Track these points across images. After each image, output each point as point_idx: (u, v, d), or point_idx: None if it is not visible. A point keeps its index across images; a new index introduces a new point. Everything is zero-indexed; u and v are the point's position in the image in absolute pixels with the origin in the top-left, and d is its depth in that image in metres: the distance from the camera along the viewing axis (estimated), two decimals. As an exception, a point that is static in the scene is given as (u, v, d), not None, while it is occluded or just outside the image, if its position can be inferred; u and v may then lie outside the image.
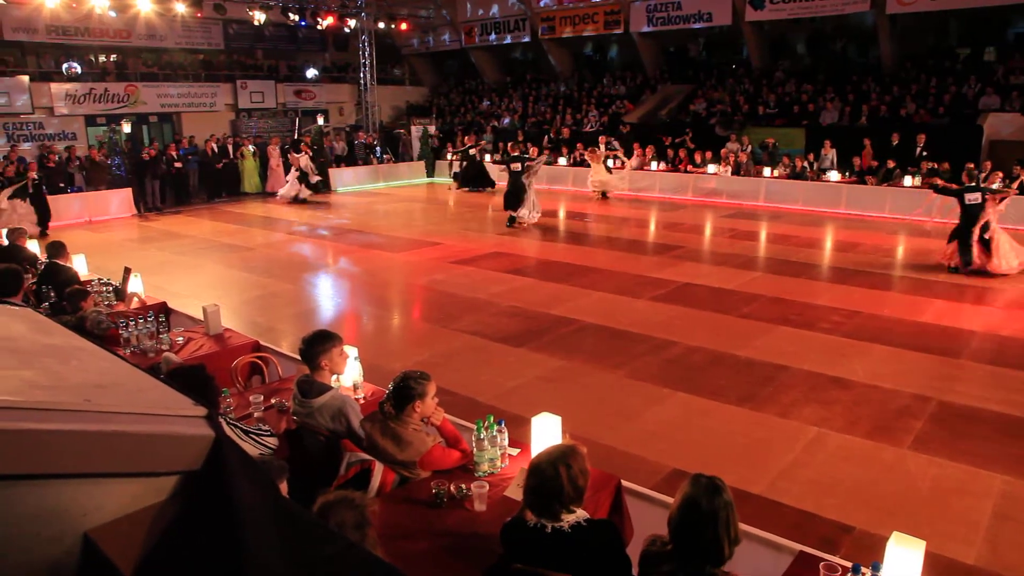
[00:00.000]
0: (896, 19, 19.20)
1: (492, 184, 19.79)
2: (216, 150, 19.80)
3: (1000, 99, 16.91)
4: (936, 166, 15.00)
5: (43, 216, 14.35)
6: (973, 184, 10.26)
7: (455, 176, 21.11)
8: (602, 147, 18.78)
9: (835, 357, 6.86)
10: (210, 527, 0.86)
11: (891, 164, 15.45)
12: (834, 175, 16.12)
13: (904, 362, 6.76)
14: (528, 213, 14.17)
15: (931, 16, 18.98)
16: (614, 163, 18.99)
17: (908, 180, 14.97)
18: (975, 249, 9.87)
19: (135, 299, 6.62)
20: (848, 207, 15.45)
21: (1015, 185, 10.91)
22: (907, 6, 18.31)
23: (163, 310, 6.47)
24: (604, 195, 18.14)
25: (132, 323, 5.35)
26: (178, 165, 18.14)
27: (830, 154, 16.77)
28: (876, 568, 2.55)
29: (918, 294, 9.10)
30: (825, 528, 4.13)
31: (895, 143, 16.00)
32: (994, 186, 10.69)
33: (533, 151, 18.11)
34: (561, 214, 16.20)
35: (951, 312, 8.30)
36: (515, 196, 14.08)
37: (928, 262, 10.72)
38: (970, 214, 9.97)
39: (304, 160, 18.46)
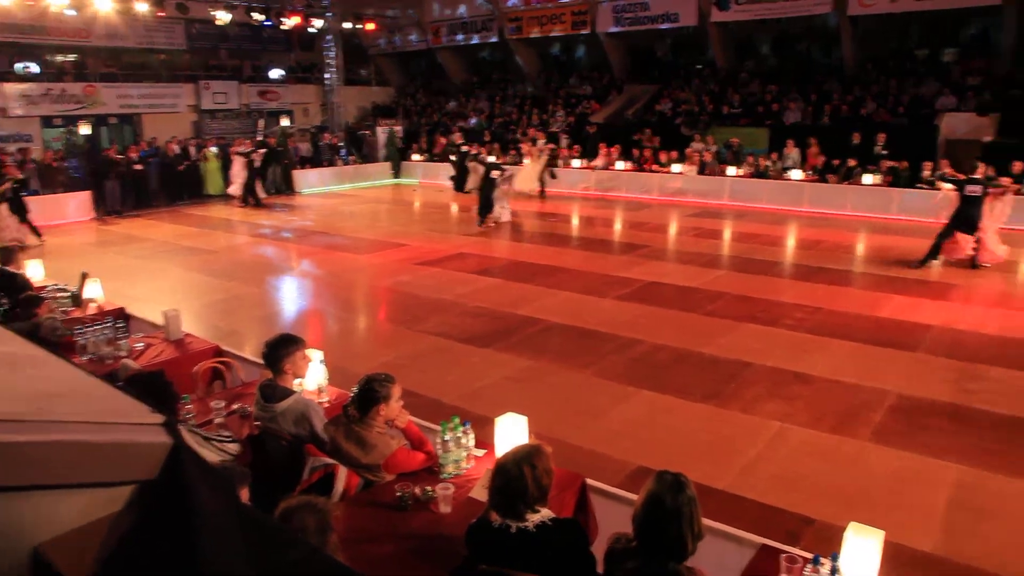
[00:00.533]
0: (858, 21, 19.56)
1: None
2: (178, 152, 19.47)
3: (956, 99, 17.33)
4: (895, 164, 15.35)
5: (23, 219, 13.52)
6: (976, 177, 10.44)
7: (452, 179, 19.68)
8: (540, 143, 18.73)
9: (798, 353, 6.97)
10: (168, 536, 0.85)
11: (852, 163, 15.75)
12: (797, 174, 16.37)
13: (864, 357, 6.89)
14: (500, 212, 14.32)
15: (891, 18, 19.37)
16: (562, 164, 19.26)
17: (868, 178, 15.28)
18: (971, 240, 10.21)
19: (92, 305, 6.48)
20: (811, 205, 15.72)
21: (1009, 181, 11.13)
22: (868, 8, 18.66)
23: (121, 315, 6.35)
24: (542, 194, 18.18)
25: (89, 329, 5.25)
26: (139, 167, 17.80)
27: (793, 153, 17.03)
28: (835, 559, 2.60)
29: (878, 290, 9.28)
30: (787, 521, 4.20)
31: (856, 142, 16.30)
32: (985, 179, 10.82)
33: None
34: (527, 214, 16.24)
35: (909, 307, 8.48)
36: (487, 198, 14.14)
37: (888, 258, 10.96)
38: (969, 206, 10.19)
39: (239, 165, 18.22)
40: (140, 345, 5.52)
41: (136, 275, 10.68)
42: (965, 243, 10.25)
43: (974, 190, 10.17)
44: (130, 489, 0.87)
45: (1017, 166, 12.30)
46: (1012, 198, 10.77)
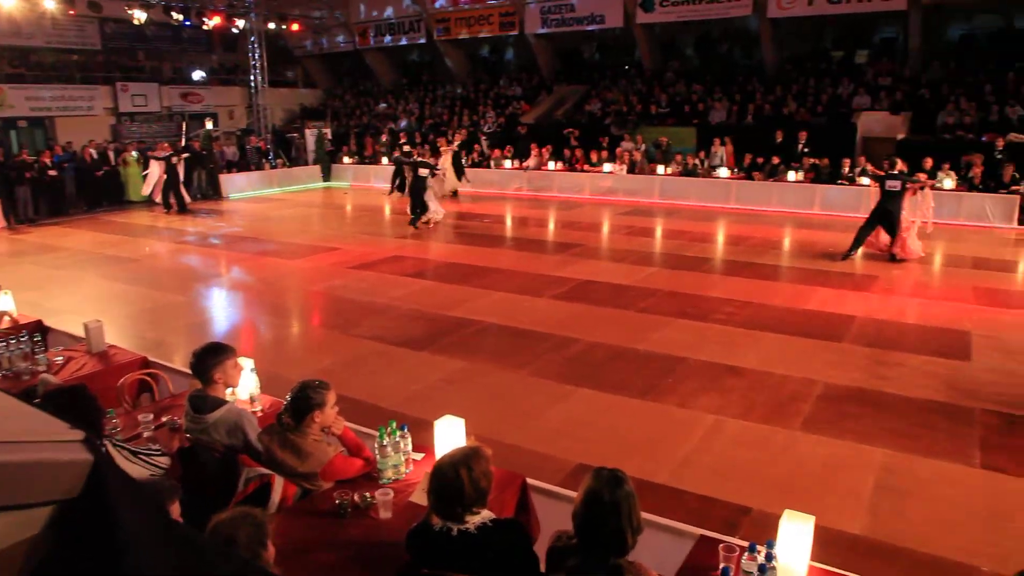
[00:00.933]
0: (777, 23, 20.22)
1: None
2: (96, 156, 18.72)
3: (870, 99, 18.09)
4: (817, 162, 15.92)
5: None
6: (895, 173, 10.86)
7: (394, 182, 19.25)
8: (456, 141, 18.73)
9: (729, 347, 7.14)
10: (91, 557, 0.82)
11: (776, 160, 16.26)
12: (724, 172, 16.81)
13: (793, 348, 7.11)
14: (433, 212, 14.27)
15: (808, 21, 20.09)
16: (466, 161, 19.32)
17: (792, 175, 15.79)
18: (886, 235, 10.71)
19: (5, 318, 6.18)
20: (738, 202, 16.16)
21: (924, 176, 11.66)
22: (786, 11, 19.32)
23: (38, 329, 6.06)
24: (455, 193, 18.27)
25: (2, 344, 5.00)
26: (53, 173, 17.04)
27: (720, 151, 17.48)
28: (771, 545, 2.67)
29: (804, 283, 9.59)
30: (725, 511, 4.29)
31: (779, 140, 16.83)
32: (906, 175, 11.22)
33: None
34: (461, 216, 16.21)
35: (834, 300, 8.78)
36: (420, 198, 14.06)
37: (812, 252, 11.35)
38: (889, 200, 10.62)
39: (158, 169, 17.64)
40: (60, 359, 5.27)
41: (53, 286, 10.22)
42: (887, 237, 10.71)
43: (894, 185, 10.61)
44: (49, 510, 0.83)
45: (928, 162, 12.90)
46: (931, 192, 11.27)
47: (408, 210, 14.29)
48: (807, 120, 17.90)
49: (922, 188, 10.90)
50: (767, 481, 4.65)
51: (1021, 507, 4.34)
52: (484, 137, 21.09)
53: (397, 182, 18.27)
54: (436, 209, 14.35)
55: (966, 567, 3.76)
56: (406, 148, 18.95)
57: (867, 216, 10.97)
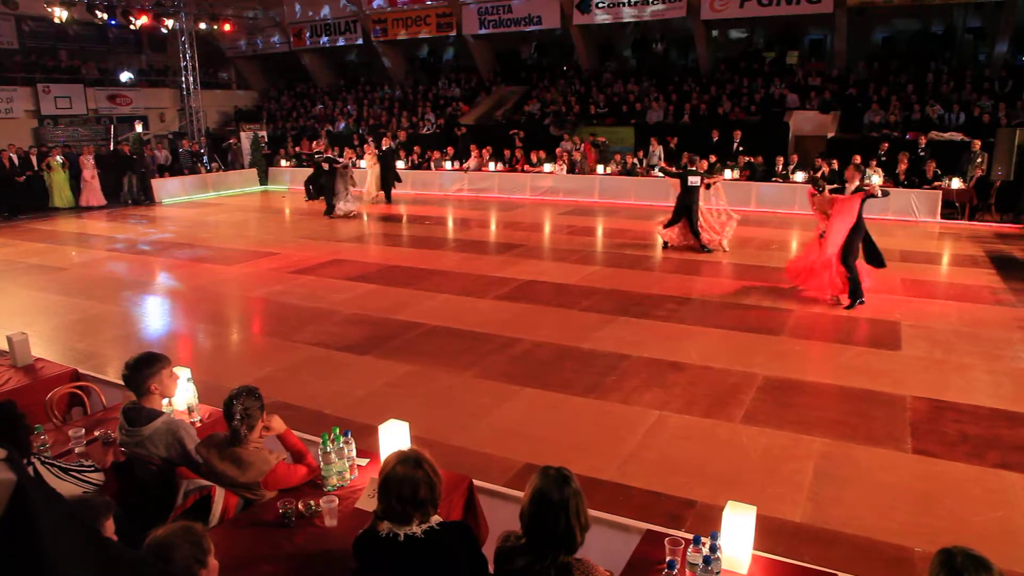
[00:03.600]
0: (710, 25, 20.64)
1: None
2: (16, 161, 17.95)
3: (801, 98, 18.64)
4: (752, 160, 16.31)
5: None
6: (693, 168, 11.69)
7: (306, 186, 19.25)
8: (384, 145, 18.55)
9: (671, 343, 7.25)
10: (16, 578, 0.78)
11: (713, 158, 16.56)
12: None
13: (733, 343, 7.26)
14: (343, 204, 15.94)
15: (740, 23, 20.59)
16: (405, 163, 19.68)
17: (728, 173, 16.12)
18: (690, 227, 11.60)
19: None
20: (676, 200, 16.36)
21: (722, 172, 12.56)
22: (719, 12, 19.75)
23: (-41, 342, 5.79)
24: (388, 198, 18.28)
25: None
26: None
27: (657, 150, 17.75)
28: (715, 537, 2.71)
29: (743, 279, 9.81)
30: (670, 505, 4.35)
31: (715, 139, 17.19)
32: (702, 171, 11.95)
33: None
34: (399, 218, 16.10)
35: (771, 295, 9.00)
36: (331, 190, 15.99)
37: (751, 248, 11.62)
38: (689, 194, 11.53)
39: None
40: (-18, 375, 5.05)
41: (-26, 298, 9.78)
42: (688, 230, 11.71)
43: (694, 180, 11.45)
44: (-29, 532, 0.79)
45: (857, 158, 13.33)
46: (719, 182, 12.26)
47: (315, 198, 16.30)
48: (742, 119, 18.34)
49: (713, 183, 11.92)
50: (711, 474, 4.73)
51: (949, 489, 4.52)
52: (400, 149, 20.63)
53: (311, 188, 18.45)
54: (348, 200, 16.00)
55: (900, 548, 3.90)
56: (316, 148, 18.92)
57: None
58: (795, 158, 16.22)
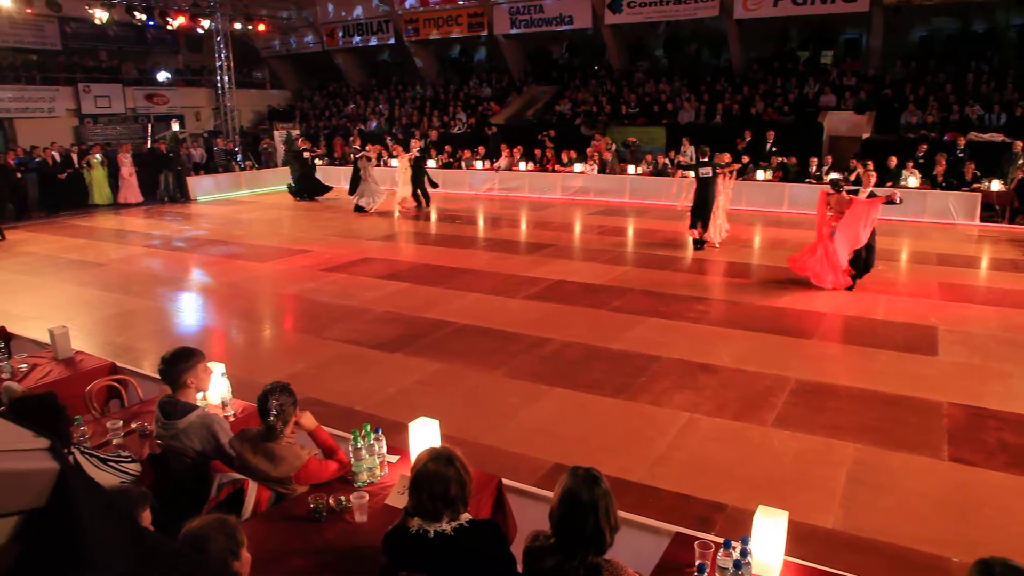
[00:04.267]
0: (743, 24, 20.44)
1: (328, 189, 19.56)
2: (58, 159, 18.35)
3: (836, 98, 18.38)
4: (785, 160, 16.12)
5: None
6: (706, 160, 11.59)
7: (289, 188, 19.73)
8: (413, 148, 17.25)
9: (702, 345, 7.19)
10: (59, 566, 0.80)
11: (745, 159, 16.41)
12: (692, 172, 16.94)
13: (765, 345, 7.18)
14: (369, 200, 16.60)
15: (774, 22, 20.35)
16: (436, 162, 19.66)
17: (760, 174, 15.97)
18: (702, 219, 11.57)
19: (-33, 324, 6.05)
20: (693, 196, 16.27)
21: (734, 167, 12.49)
22: (752, 12, 19.54)
23: (2, 335, 5.93)
24: (427, 203, 16.79)
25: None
26: (18, 175, 16.67)
27: (689, 151, 17.58)
28: (745, 541, 2.68)
29: (775, 281, 9.69)
30: (700, 508, 4.32)
31: (748, 140, 17.01)
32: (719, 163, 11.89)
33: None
34: (432, 216, 16.18)
35: (804, 297, 8.89)
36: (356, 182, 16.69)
37: (784, 250, 11.47)
38: (704, 187, 11.46)
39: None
40: (24, 366, 5.17)
41: (17, 291, 10.01)
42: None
43: (705, 172, 11.44)
44: (15, 520, 0.81)
45: (893, 160, 13.13)
46: (729, 183, 12.13)
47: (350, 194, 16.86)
48: (775, 119, 18.12)
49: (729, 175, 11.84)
50: (741, 477, 4.68)
51: (987, 499, 4.42)
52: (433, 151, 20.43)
53: (314, 186, 19.42)
54: (372, 196, 16.64)
55: (937, 558, 3.82)
56: (356, 146, 18.89)
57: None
58: (829, 159, 15.98)
